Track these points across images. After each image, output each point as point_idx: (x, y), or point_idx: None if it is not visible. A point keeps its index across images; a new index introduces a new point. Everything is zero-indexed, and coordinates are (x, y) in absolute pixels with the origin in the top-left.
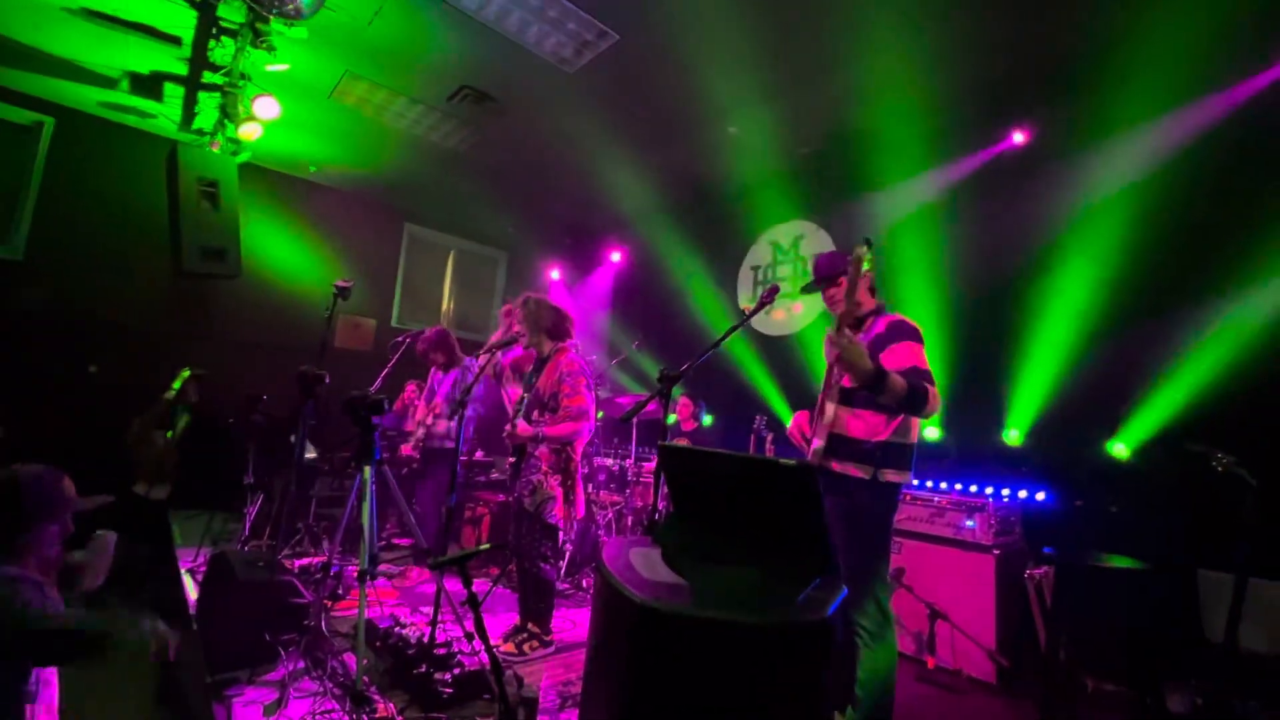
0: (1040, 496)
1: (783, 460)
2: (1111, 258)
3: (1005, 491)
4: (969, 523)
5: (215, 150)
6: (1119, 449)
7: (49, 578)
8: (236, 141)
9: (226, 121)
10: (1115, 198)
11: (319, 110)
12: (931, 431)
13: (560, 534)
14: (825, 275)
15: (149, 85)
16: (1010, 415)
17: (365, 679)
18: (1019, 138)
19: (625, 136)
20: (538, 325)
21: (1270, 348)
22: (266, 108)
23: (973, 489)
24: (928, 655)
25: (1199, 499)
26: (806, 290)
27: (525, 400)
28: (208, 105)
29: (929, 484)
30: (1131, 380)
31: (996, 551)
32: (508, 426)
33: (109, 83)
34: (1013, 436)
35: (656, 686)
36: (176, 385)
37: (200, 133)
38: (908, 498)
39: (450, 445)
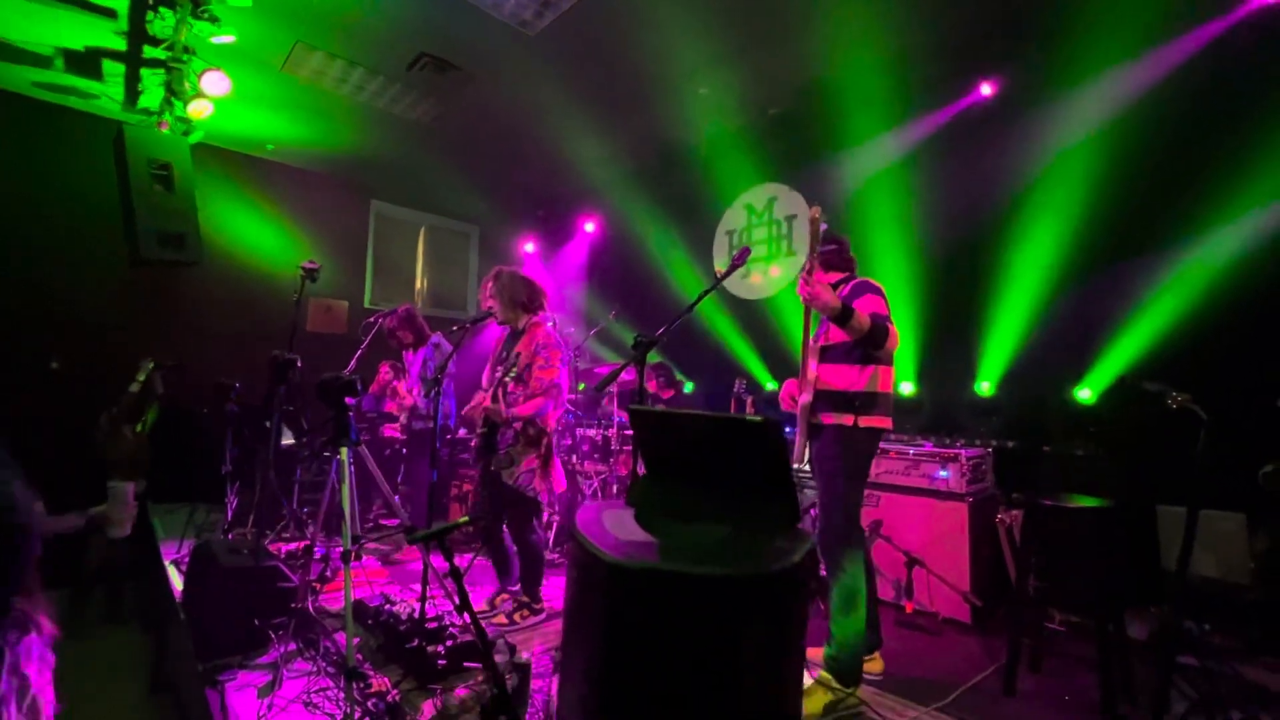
0: (1011, 444)
1: (747, 417)
2: (1077, 207)
3: (978, 441)
4: (943, 473)
5: (164, 131)
6: (1085, 394)
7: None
8: (187, 120)
9: (174, 99)
10: (1080, 146)
11: (272, 85)
12: (906, 386)
13: (544, 507)
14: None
15: (86, 63)
16: (982, 367)
17: (359, 656)
18: (987, 90)
19: (593, 102)
20: (512, 300)
21: (1225, 289)
22: (215, 83)
23: (947, 440)
24: (906, 601)
25: (1157, 437)
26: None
27: (497, 375)
28: (152, 83)
29: (905, 437)
30: (1097, 327)
31: (970, 499)
32: (475, 399)
33: (42, 61)
34: (984, 388)
35: (629, 641)
36: (141, 377)
37: (147, 112)
38: (892, 453)
39: (427, 426)
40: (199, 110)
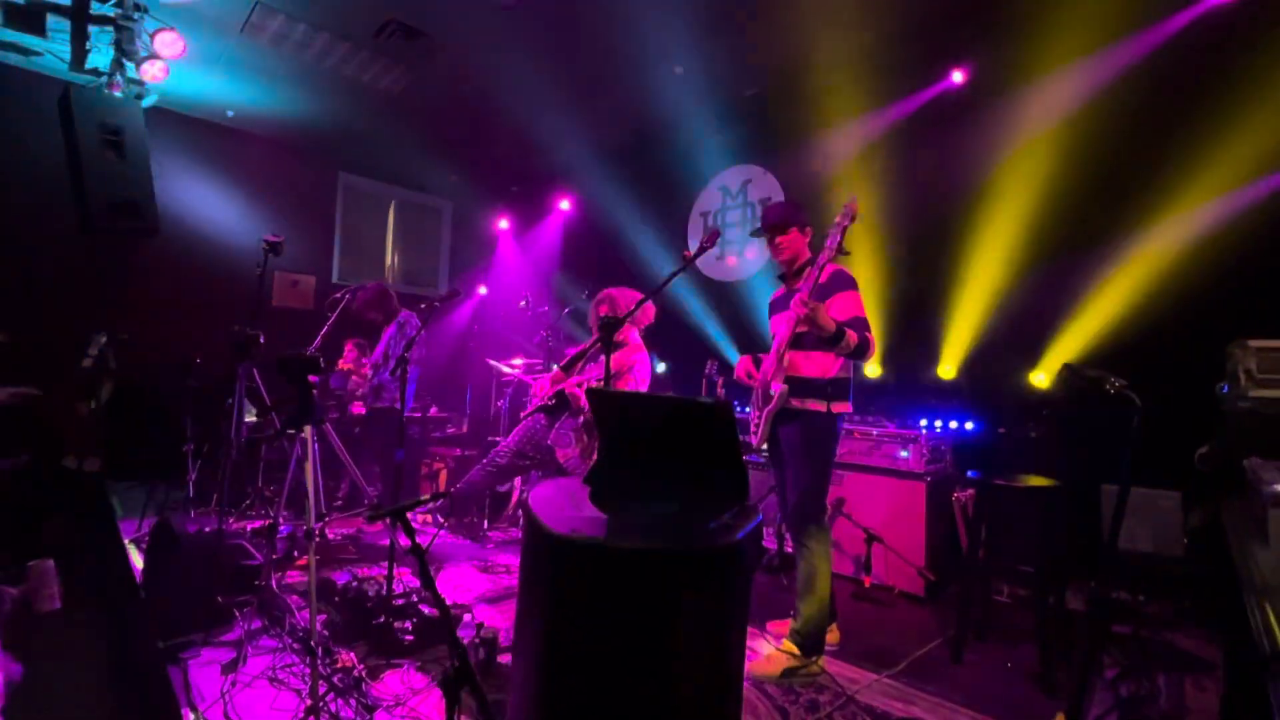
0: (969, 426)
1: (700, 400)
2: (1037, 197)
3: (938, 423)
4: (903, 453)
5: (116, 94)
6: (1039, 379)
7: None
8: (140, 83)
9: (124, 60)
10: (1040, 139)
11: (232, 48)
12: (872, 369)
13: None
14: (773, 224)
15: (27, 16)
16: (944, 350)
17: (325, 632)
18: (958, 77)
19: (566, 77)
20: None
21: (1170, 280)
22: (169, 44)
23: (908, 423)
24: (864, 575)
25: (1099, 420)
26: (755, 234)
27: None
28: (101, 41)
29: (869, 418)
30: (1054, 314)
31: (928, 479)
32: (555, 375)
33: None
34: (946, 371)
35: (572, 614)
36: (94, 352)
37: (96, 73)
38: (856, 434)
39: (393, 405)
40: (153, 72)
